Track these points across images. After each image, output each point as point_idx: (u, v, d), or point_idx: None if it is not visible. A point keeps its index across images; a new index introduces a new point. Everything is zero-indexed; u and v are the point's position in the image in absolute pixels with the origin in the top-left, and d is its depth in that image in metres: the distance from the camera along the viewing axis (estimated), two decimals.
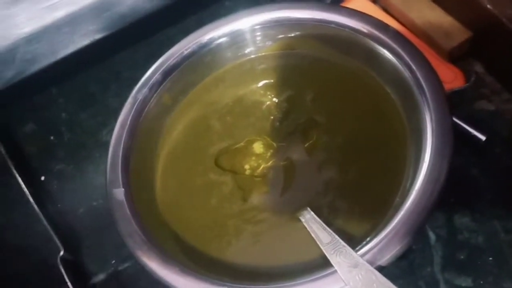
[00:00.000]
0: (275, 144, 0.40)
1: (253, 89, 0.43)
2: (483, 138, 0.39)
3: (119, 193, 0.36)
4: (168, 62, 0.41)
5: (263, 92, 0.43)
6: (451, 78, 0.42)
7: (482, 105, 0.42)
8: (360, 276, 0.29)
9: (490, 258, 0.36)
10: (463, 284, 0.36)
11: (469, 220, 0.38)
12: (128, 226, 0.35)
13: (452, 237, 0.38)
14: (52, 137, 0.51)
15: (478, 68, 0.44)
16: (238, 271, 0.35)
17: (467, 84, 0.42)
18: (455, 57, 0.43)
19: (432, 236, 0.38)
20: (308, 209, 0.36)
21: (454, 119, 0.39)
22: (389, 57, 0.37)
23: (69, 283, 0.41)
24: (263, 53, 0.43)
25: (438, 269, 0.37)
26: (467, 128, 0.39)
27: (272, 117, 0.41)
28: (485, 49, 0.43)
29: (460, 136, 0.40)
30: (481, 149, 0.40)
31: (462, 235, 0.37)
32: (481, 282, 0.36)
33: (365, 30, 0.38)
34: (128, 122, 0.39)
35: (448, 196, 0.39)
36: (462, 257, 0.37)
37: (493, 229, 0.37)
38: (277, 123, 0.41)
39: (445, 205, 0.38)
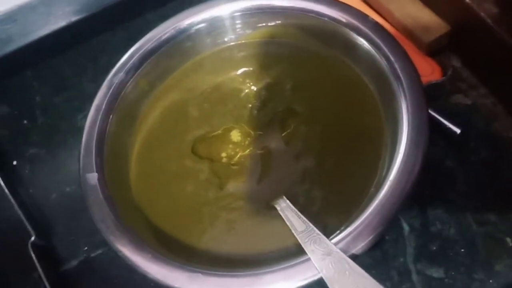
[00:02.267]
0: (252, 133, 0.40)
1: (232, 77, 0.43)
2: (458, 131, 0.40)
3: (92, 177, 0.36)
4: (146, 47, 0.41)
5: (242, 79, 0.42)
6: (429, 71, 0.43)
7: (458, 99, 0.43)
8: (333, 264, 0.29)
9: (462, 250, 0.37)
10: (435, 275, 0.36)
11: (442, 212, 0.38)
12: (101, 211, 0.34)
13: (425, 228, 0.38)
14: (25, 121, 0.50)
15: (456, 62, 0.44)
16: (212, 258, 0.35)
17: (444, 77, 0.42)
18: (433, 50, 0.44)
19: (405, 227, 0.38)
20: (284, 197, 0.35)
21: (430, 111, 0.39)
22: (367, 48, 0.37)
23: (39, 269, 0.40)
24: (243, 41, 0.43)
25: (411, 260, 0.37)
26: (442, 121, 0.40)
27: (250, 105, 0.41)
28: (463, 43, 0.43)
29: (436, 128, 0.40)
30: (456, 142, 0.40)
31: (435, 227, 0.38)
32: (453, 273, 0.36)
33: (344, 20, 0.38)
34: (104, 106, 0.39)
35: (423, 187, 0.39)
36: (434, 248, 0.37)
37: (466, 221, 0.38)
38: (255, 112, 0.41)
39: (419, 196, 0.39)
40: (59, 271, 0.41)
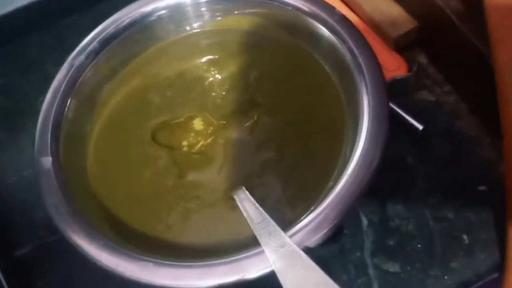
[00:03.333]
0: (215, 122, 0.39)
1: (197, 64, 0.42)
2: (420, 127, 0.40)
3: (47, 161, 0.35)
4: (108, 30, 0.40)
5: (206, 67, 0.42)
6: (395, 66, 0.43)
7: (423, 95, 0.43)
8: (285, 257, 0.29)
9: (419, 245, 0.37)
10: (391, 269, 0.36)
11: (401, 208, 0.38)
12: (53, 196, 0.33)
13: (384, 223, 0.38)
14: None
15: (422, 58, 0.44)
16: (168, 248, 0.34)
17: (409, 73, 0.42)
18: (401, 46, 0.44)
19: (364, 221, 0.38)
20: (243, 188, 0.35)
21: (394, 107, 0.40)
22: (332, 40, 0.37)
23: None
24: (209, 28, 0.42)
25: (368, 254, 0.37)
26: (405, 116, 0.40)
27: (214, 94, 0.40)
28: (429, 40, 0.43)
29: (398, 124, 0.40)
30: (418, 138, 0.40)
31: (394, 222, 0.38)
32: (409, 268, 0.36)
33: (310, 11, 0.38)
34: (62, 89, 0.38)
35: (383, 182, 0.39)
36: (392, 243, 0.37)
37: (424, 217, 0.38)
38: (219, 100, 0.40)
39: (379, 191, 0.39)
40: (12, 256, 0.40)
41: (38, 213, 0.41)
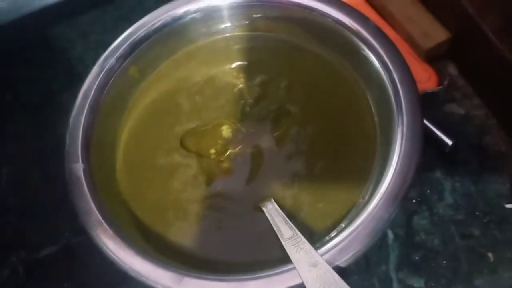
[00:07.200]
0: (244, 130, 0.39)
1: (226, 70, 0.42)
2: (450, 142, 0.39)
3: (78, 168, 0.35)
4: (139, 33, 0.39)
5: (236, 74, 0.41)
6: (425, 78, 0.42)
7: (452, 108, 0.42)
8: (318, 276, 0.29)
9: (444, 262, 0.37)
10: (416, 285, 0.37)
11: (427, 223, 0.38)
12: (84, 204, 0.34)
13: (409, 238, 0.38)
14: (8, 96, 0.49)
15: (452, 70, 0.44)
16: (196, 258, 0.34)
17: (441, 87, 0.42)
18: (432, 57, 0.43)
19: (390, 234, 0.38)
20: (272, 200, 0.35)
21: (424, 121, 0.39)
22: (366, 53, 0.37)
23: (17, 253, 0.39)
24: (240, 33, 0.42)
25: (393, 268, 0.37)
26: (435, 131, 0.40)
27: (243, 102, 0.40)
28: (462, 52, 0.42)
29: (427, 138, 0.40)
30: (447, 153, 0.40)
31: (419, 237, 0.38)
32: (433, 284, 0.36)
33: (345, 22, 0.37)
34: (92, 93, 0.37)
35: (410, 197, 0.39)
36: (417, 257, 0.37)
37: (450, 233, 0.38)
38: (248, 108, 0.40)
39: (406, 205, 0.39)
40: (37, 257, 0.41)
41: (63, 212, 0.41)
